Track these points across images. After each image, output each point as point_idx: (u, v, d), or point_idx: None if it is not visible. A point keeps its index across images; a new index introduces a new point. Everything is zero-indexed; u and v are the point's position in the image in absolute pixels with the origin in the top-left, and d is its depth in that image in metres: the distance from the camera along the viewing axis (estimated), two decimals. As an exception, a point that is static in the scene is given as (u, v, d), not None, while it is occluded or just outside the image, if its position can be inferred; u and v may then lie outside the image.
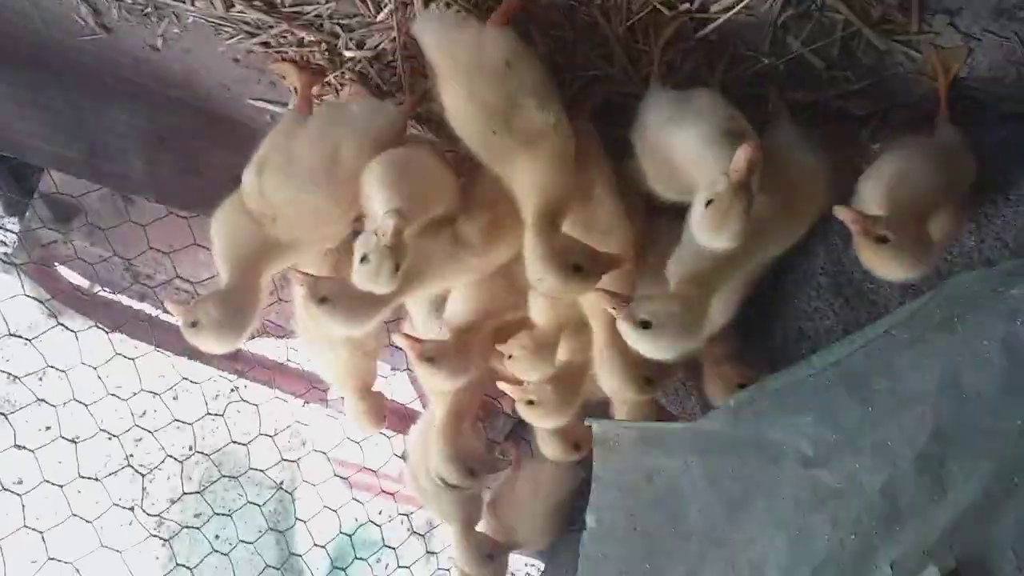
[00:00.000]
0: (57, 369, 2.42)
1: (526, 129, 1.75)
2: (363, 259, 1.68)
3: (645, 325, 1.62)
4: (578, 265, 1.68)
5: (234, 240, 1.99)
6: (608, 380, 2.07)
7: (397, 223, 1.63)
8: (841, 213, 1.58)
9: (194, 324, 1.91)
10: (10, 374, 2.45)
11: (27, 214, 2.54)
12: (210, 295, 1.97)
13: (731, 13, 1.91)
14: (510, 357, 2.08)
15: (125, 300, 2.65)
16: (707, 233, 1.50)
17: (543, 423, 2.24)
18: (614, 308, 1.66)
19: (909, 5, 1.80)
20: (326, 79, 2.23)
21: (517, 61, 1.75)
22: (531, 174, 1.76)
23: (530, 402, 2.14)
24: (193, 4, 2.11)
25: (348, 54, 2.18)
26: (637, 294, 1.83)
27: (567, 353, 2.17)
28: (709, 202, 1.47)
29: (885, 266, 1.65)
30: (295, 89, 2.23)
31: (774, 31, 1.93)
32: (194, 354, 2.71)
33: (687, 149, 1.67)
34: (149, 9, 2.15)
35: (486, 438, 2.80)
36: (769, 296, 2.21)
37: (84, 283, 2.63)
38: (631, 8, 1.94)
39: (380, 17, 2.07)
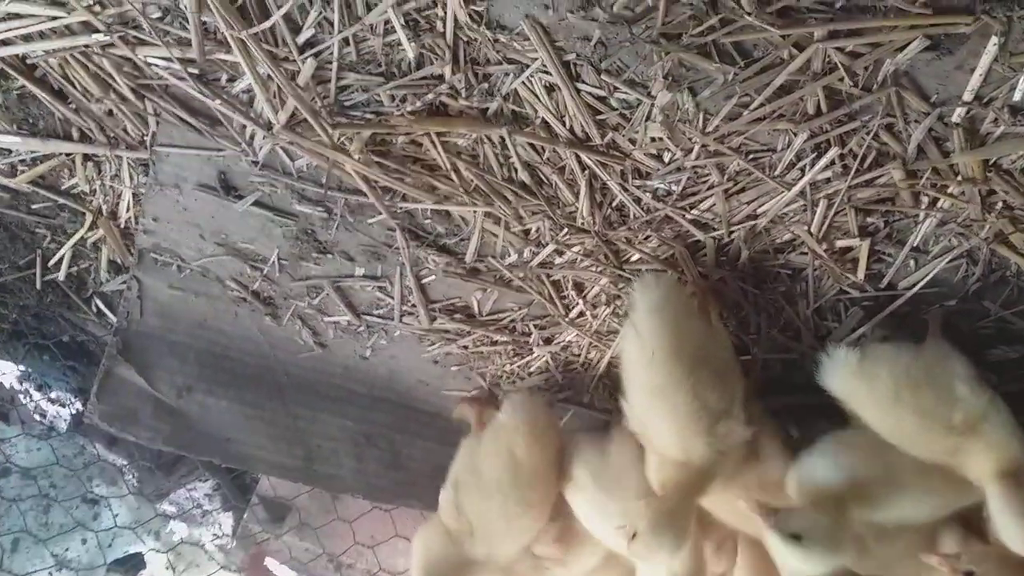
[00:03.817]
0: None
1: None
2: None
3: (797, 538, 1.57)
4: None
5: (429, 557, 2.11)
6: None
7: None
8: None
9: None
10: None
11: (244, 515, 2.72)
12: None
13: (917, 288, 1.96)
14: None
15: (329, 592, 2.73)
16: None
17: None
18: (763, 517, 1.61)
19: (1114, 265, 1.79)
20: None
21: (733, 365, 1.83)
22: None
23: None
24: (402, 321, 2.36)
25: (537, 351, 2.34)
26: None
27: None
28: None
29: None
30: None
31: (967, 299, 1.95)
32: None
33: None
34: (362, 328, 2.40)
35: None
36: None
37: (292, 575, 2.75)
38: (818, 291, 2.02)
39: (571, 316, 2.25)
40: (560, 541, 2.03)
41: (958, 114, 1.69)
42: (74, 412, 2.89)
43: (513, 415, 2.09)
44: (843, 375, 1.80)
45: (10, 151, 2.35)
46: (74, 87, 2.13)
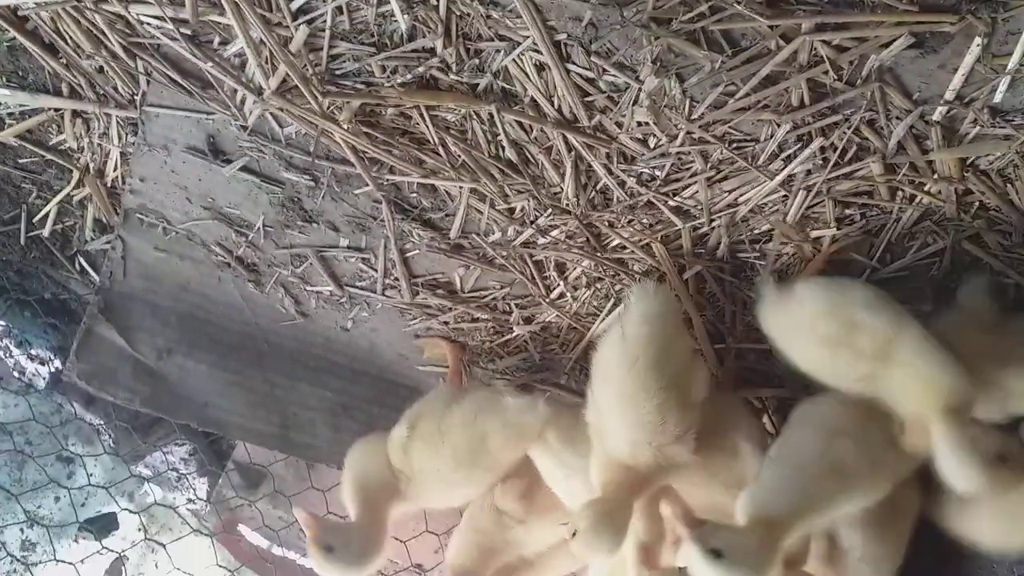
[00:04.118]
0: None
1: None
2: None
3: (717, 554, 1.52)
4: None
5: (366, 478, 2.04)
6: None
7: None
8: None
9: (329, 549, 1.90)
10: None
11: (219, 480, 2.74)
12: (343, 525, 2.02)
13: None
14: None
15: (300, 560, 2.75)
16: None
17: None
18: (685, 527, 1.60)
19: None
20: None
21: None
22: None
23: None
24: (384, 294, 2.37)
25: (517, 330, 2.36)
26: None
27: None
28: None
29: None
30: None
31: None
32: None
33: None
34: (344, 299, 2.42)
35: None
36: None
37: (264, 543, 2.76)
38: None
39: (551, 297, 2.27)
40: (524, 499, 2.04)
41: (939, 113, 1.72)
42: (53, 370, 2.89)
43: (516, 414, 1.97)
44: (767, 310, 1.82)
45: (-1, 103, 2.35)
46: (65, 42, 2.12)
